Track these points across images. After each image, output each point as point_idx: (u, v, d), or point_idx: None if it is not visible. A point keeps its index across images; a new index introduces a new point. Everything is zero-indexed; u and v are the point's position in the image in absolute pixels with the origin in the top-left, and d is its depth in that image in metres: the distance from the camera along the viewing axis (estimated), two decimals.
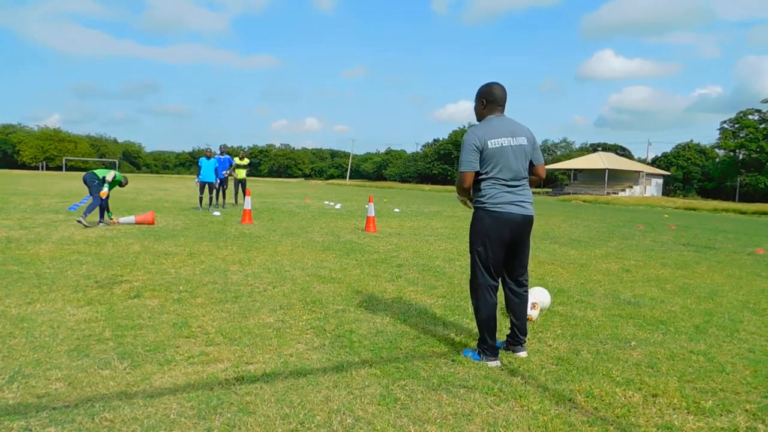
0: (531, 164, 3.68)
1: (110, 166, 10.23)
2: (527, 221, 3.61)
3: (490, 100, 3.64)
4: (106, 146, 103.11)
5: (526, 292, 3.80)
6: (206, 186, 14.73)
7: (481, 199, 3.58)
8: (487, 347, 3.60)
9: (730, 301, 5.93)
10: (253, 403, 2.83)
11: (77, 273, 5.83)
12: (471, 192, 3.68)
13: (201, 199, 14.77)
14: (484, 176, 3.56)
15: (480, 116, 3.72)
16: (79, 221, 9.93)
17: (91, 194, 10.28)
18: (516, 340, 3.75)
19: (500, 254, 3.60)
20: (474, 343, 3.87)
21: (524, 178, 3.62)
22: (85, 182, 10.31)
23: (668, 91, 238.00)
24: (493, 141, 3.49)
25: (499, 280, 3.72)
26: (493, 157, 3.50)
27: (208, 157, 14.67)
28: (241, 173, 17.08)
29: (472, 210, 3.71)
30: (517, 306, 3.73)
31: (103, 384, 2.99)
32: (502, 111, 3.67)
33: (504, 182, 3.53)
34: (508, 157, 3.51)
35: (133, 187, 29.67)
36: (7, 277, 5.50)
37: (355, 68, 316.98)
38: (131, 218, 10.82)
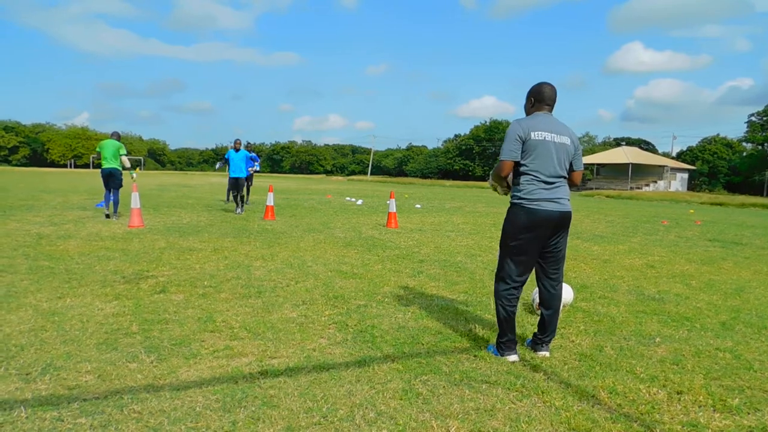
0: (570, 168, 3.66)
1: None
2: (564, 217, 3.56)
3: (538, 99, 3.64)
4: (132, 144, 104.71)
5: (560, 286, 3.75)
6: (237, 181, 13.29)
7: (519, 194, 3.54)
8: (505, 341, 3.60)
9: (757, 297, 5.82)
10: (277, 396, 2.87)
11: (105, 268, 5.96)
12: (508, 182, 3.65)
13: (229, 192, 14.26)
14: (524, 169, 3.52)
15: (528, 114, 3.72)
16: (112, 217, 10.75)
17: (116, 188, 10.91)
18: (541, 337, 3.71)
19: (534, 251, 3.57)
20: (495, 338, 3.86)
21: (562, 176, 3.58)
22: (114, 176, 10.81)
23: (697, 84, 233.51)
24: (536, 133, 3.48)
25: (531, 276, 3.70)
26: (535, 149, 3.47)
27: (237, 149, 13.23)
28: None
29: (502, 196, 3.69)
30: (549, 298, 3.69)
31: (131, 377, 3.07)
32: (550, 110, 3.66)
33: (543, 178, 3.50)
34: (549, 151, 3.48)
35: (157, 184, 30.13)
36: (39, 272, 5.64)
37: (379, 65, 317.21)
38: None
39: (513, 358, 3.56)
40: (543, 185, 3.50)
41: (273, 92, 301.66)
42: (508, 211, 3.63)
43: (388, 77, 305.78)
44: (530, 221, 3.48)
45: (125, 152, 11.10)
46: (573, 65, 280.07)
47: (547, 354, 3.67)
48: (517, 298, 3.62)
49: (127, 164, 11.17)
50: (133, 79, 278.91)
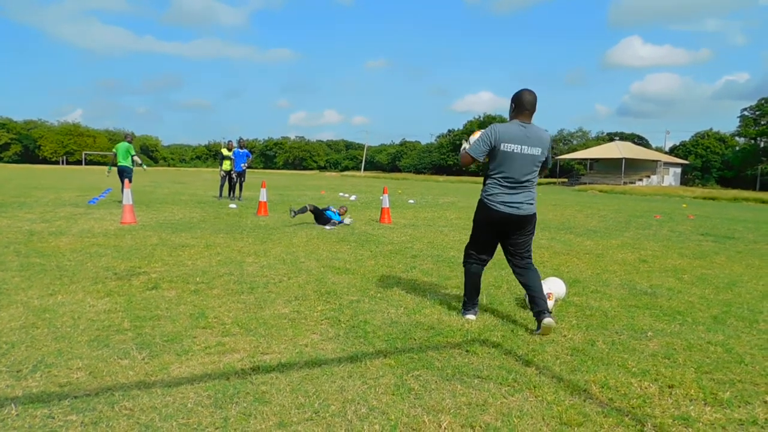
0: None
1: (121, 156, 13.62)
2: (522, 219, 4.04)
3: (518, 105, 3.97)
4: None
5: (529, 265, 4.18)
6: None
7: (484, 192, 4.10)
8: (464, 302, 4.37)
9: (749, 291, 5.86)
10: (269, 392, 2.86)
11: (97, 265, 5.93)
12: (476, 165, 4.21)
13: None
14: (491, 173, 4.02)
15: (510, 119, 4.06)
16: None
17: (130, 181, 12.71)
18: (537, 307, 3.97)
19: (490, 240, 4.21)
20: (488, 333, 3.93)
21: (527, 181, 4.00)
22: (125, 173, 12.98)
23: (695, 79, 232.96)
24: (506, 144, 3.86)
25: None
26: (503, 161, 3.92)
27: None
28: (228, 165, 16.44)
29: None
30: (525, 276, 4.15)
31: (123, 373, 3.05)
32: (530, 116, 3.97)
33: (506, 184, 3.97)
34: (514, 163, 3.91)
35: (150, 181, 30.01)
36: (30, 269, 5.61)
37: (378, 60, 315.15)
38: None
39: (469, 317, 4.26)
40: (505, 190, 3.99)
41: (270, 89, 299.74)
42: (477, 202, 4.23)
43: (386, 72, 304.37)
44: (488, 216, 4.09)
45: (134, 152, 13.42)
46: (572, 60, 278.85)
47: (551, 320, 3.88)
48: (479, 267, 4.30)
49: (138, 161, 13.71)
50: (128, 76, 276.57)
